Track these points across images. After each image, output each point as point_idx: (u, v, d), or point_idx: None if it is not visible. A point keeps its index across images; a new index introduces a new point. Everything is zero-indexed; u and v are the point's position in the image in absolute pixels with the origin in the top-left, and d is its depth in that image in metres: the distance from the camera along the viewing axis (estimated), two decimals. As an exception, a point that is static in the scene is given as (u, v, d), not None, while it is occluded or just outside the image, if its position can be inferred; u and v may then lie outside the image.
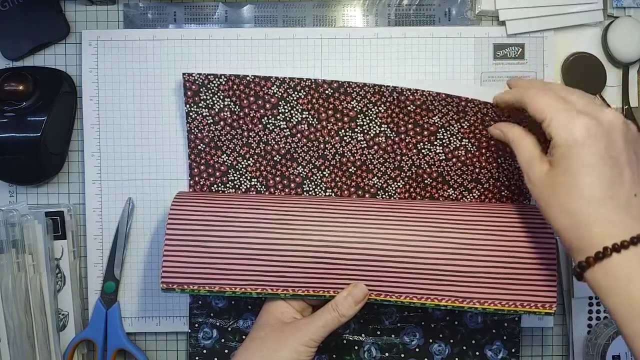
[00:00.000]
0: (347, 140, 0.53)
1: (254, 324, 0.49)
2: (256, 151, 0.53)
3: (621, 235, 0.38)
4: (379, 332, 0.54)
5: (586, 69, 0.55)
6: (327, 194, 0.53)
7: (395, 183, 0.53)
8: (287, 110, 0.53)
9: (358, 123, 0.53)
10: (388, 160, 0.53)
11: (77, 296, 0.55)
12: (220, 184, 0.54)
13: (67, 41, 0.55)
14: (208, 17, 0.56)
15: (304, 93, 0.52)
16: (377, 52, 0.55)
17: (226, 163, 0.53)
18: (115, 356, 0.54)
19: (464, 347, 0.54)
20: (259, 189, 0.53)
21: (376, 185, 0.53)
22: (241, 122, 0.53)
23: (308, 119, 0.53)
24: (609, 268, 0.38)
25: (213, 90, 0.52)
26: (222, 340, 0.54)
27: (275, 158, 0.53)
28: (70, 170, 0.56)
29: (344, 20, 0.56)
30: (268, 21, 0.56)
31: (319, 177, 0.53)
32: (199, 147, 0.53)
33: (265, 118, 0.53)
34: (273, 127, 0.53)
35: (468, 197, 0.53)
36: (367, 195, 0.53)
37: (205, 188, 0.54)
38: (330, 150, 0.53)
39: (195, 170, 0.54)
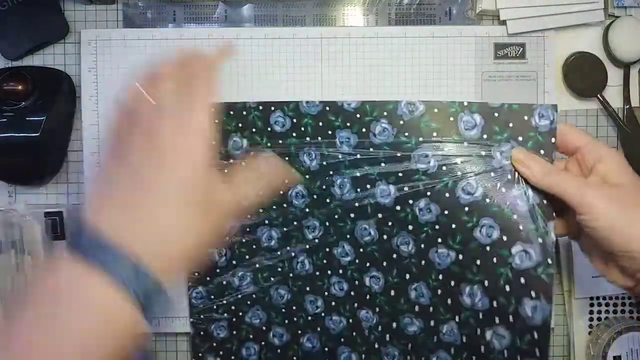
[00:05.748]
0: None
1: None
2: None
3: None
4: None
5: (587, 69, 0.55)
6: None
7: None
8: None
9: None
10: None
11: (77, 296, 0.55)
12: None
13: (67, 41, 0.55)
14: (208, 17, 0.55)
15: None
16: (377, 51, 0.55)
17: None
18: (115, 357, 0.54)
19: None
20: None
21: None
22: None
23: None
24: None
25: None
26: None
27: None
28: (70, 170, 0.55)
29: (344, 19, 0.56)
30: (268, 21, 0.56)
31: None
32: None
33: None
34: None
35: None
36: None
37: None
38: None
39: None
